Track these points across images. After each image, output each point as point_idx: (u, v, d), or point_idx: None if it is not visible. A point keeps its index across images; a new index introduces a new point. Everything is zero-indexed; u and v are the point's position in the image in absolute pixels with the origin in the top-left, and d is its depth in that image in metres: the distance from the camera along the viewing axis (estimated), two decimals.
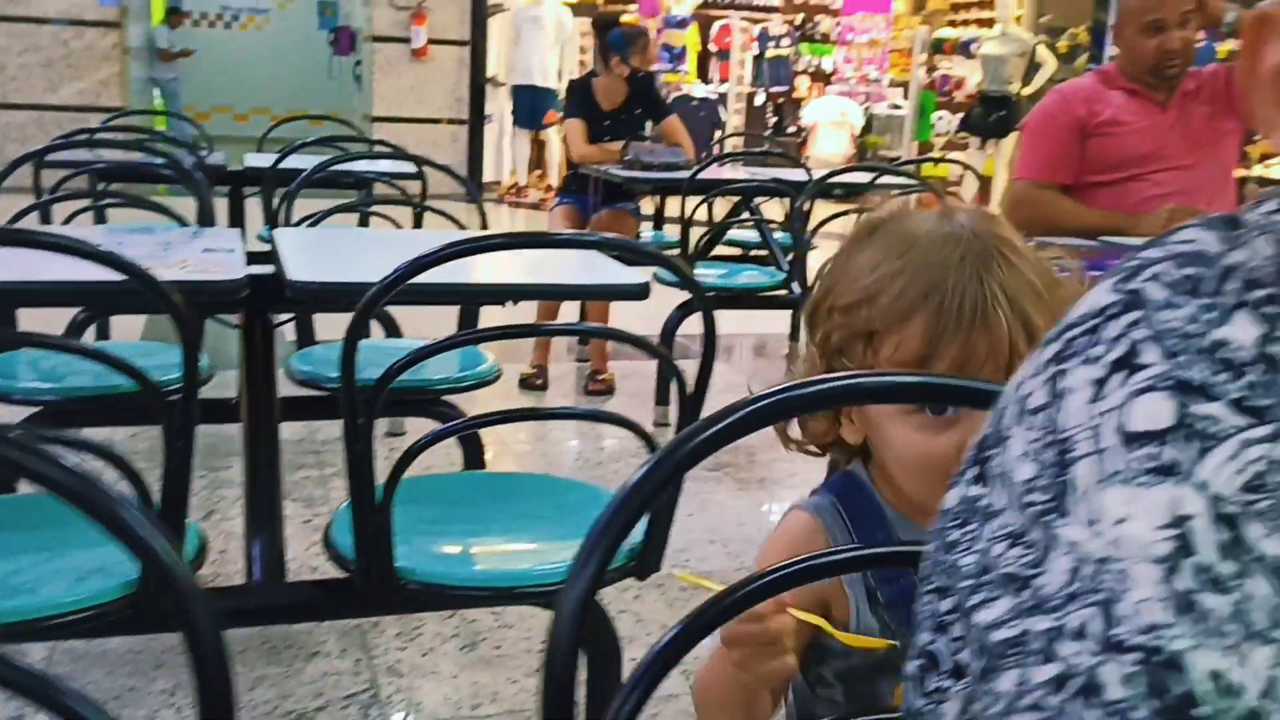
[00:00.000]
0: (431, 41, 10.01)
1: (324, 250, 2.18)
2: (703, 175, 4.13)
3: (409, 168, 3.58)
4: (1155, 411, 0.43)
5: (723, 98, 11.99)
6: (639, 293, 1.81)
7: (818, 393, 0.69)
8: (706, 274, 4.26)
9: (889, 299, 0.94)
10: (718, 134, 11.51)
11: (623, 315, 4.73)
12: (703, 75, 13.25)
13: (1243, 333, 0.45)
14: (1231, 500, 0.41)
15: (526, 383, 4.37)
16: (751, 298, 4.20)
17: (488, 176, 10.68)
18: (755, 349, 5.43)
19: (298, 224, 3.06)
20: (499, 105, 10.70)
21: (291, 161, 3.52)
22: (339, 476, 3.21)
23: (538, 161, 10.55)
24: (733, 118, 11.88)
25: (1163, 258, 0.49)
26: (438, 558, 1.57)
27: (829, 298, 1.00)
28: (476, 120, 10.41)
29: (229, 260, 1.90)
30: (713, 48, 13.30)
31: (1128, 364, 0.45)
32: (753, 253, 4.98)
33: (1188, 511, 0.40)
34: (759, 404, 0.66)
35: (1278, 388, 0.44)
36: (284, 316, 3.10)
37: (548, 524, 1.75)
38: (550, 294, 1.85)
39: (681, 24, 12.50)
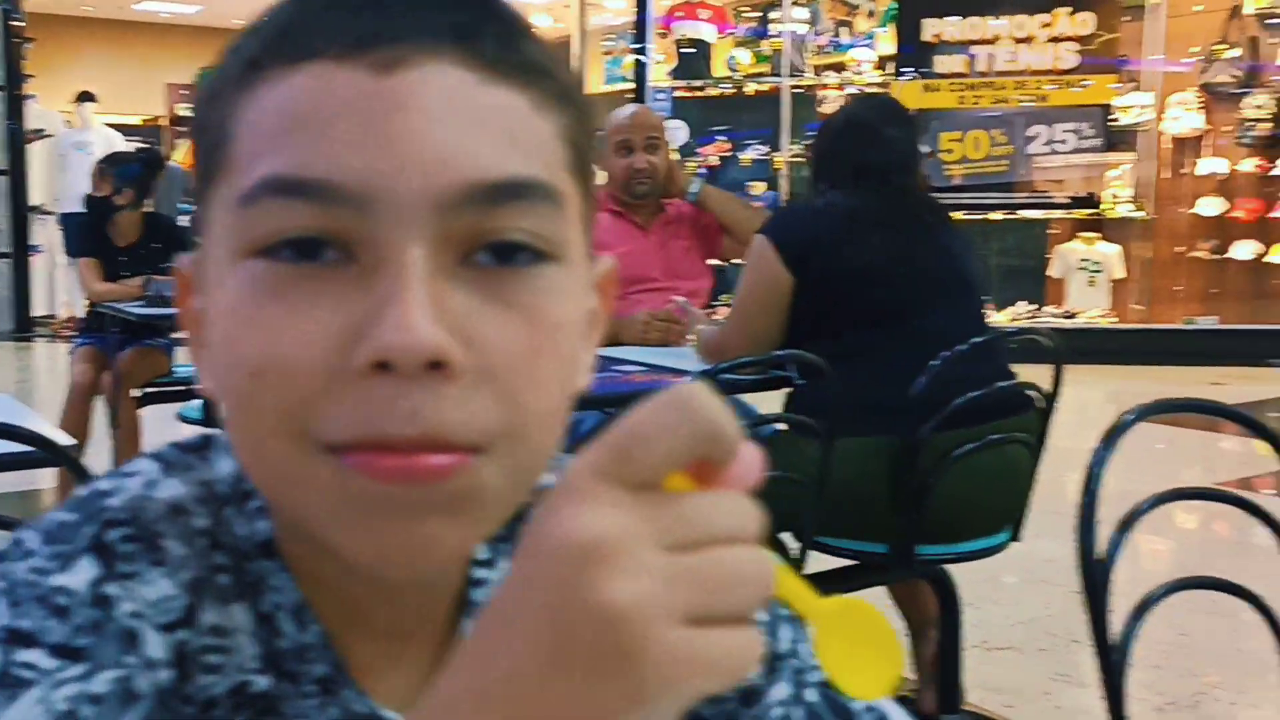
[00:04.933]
0: None
1: None
2: None
3: None
4: None
5: None
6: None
7: None
8: None
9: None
10: None
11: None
12: None
13: (80, 576, 0.47)
14: None
15: None
16: None
17: (39, 310, 9.90)
18: None
19: None
20: (49, 235, 9.99)
21: None
22: None
23: None
24: None
25: (69, 504, 0.50)
26: None
27: None
28: (21, 252, 9.66)
29: None
30: None
31: None
32: None
33: None
34: None
35: (107, 627, 0.46)
36: None
37: None
38: None
39: None
